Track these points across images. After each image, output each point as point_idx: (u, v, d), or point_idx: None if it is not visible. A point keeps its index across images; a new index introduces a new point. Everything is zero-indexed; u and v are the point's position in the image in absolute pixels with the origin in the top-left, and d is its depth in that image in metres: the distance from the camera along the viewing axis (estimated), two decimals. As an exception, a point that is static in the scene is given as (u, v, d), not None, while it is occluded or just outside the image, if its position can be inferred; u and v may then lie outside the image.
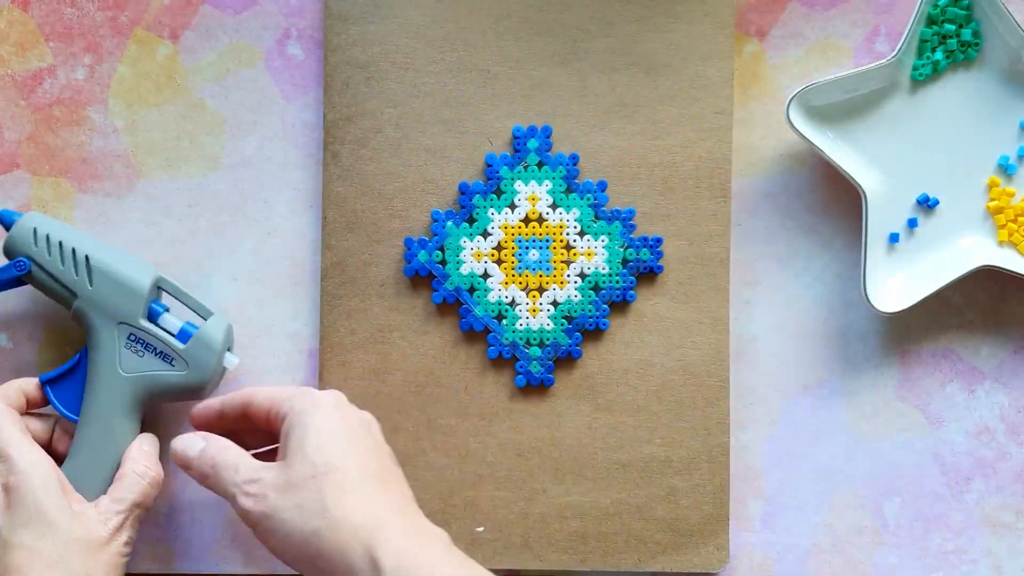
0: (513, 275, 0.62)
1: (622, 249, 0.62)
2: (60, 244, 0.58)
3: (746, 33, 0.64)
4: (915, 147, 0.62)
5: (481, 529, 0.62)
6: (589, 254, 0.62)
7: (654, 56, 0.62)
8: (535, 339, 0.62)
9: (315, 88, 0.64)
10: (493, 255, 0.62)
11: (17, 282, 0.59)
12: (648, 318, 0.62)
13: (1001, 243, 0.62)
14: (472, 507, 0.62)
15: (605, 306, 0.62)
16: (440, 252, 0.62)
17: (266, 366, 0.64)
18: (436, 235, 0.62)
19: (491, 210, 0.62)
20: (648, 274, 0.62)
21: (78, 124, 0.64)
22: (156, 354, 0.58)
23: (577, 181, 0.62)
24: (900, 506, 0.64)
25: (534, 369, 0.62)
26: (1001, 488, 0.64)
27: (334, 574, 0.49)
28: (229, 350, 0.60)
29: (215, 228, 0.64)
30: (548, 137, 0.62)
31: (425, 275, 0.62)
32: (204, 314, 0.60)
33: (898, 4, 0.64)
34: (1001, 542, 0.64)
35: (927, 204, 0.62)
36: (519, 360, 0.62)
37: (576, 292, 0.62)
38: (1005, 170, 0.62)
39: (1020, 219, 0.62)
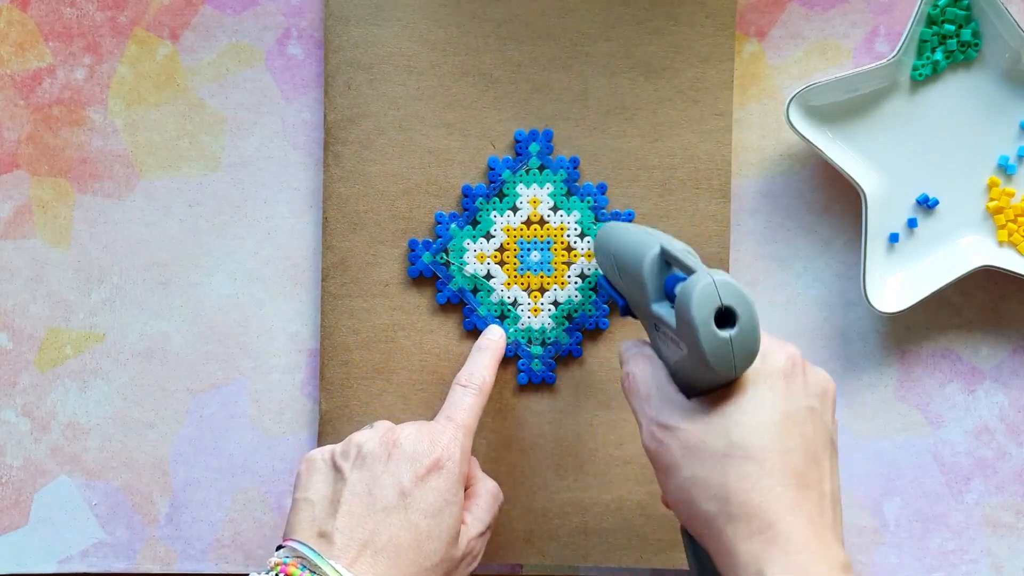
0: (515, 276, 0.62)
1: None
2: (613, 254, 0.54)
3: (746, 33, 0.64)
4: (915, 147, 0.62)
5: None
6: (589, 255, 0.62)
7: (654, 59, 0.62)
8: (537, 338, 0.62)
9: (315, 88, 0.64)
10: (496, 256, 0.62)
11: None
12: (648, 318, 0.63)
13: (1001, 243, 0.62)
14: (475, 504, 0.63)
15: (605, 306, 0.62)
16: (444, 254, 0.62)
17: (266, 366, 0.64)
18: (440, 237, 0.62)
19: (493, 212, 0.62)
20: None
21: (78, 124, 0.64)
22: (668, 337, 0.48)
23: (577, 184, 0.62)
24: (900, 506, 0.64)
25: (536, 367, 0.62)
26: (1001, 488, 0.64)
27: (716, 554, 0.45)
28: (731, 315, 0.44)
29: (215, 228, 0.64)
30: (549, 141, 0.62)
31: (429, 276, 0.62)
32: (688, 273, 0.46)
33: (898, 4, 0.64)
34: (1001, 542, 0.64)
35: (927, 204, 0.62)
36: (521, 359, 0.62)
37: (576, 292, 0.62)
38: (1005, 170, 0.62)
39: (1020, 219, 0.62)
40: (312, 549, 0.50)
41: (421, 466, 0.53)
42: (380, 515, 0.51)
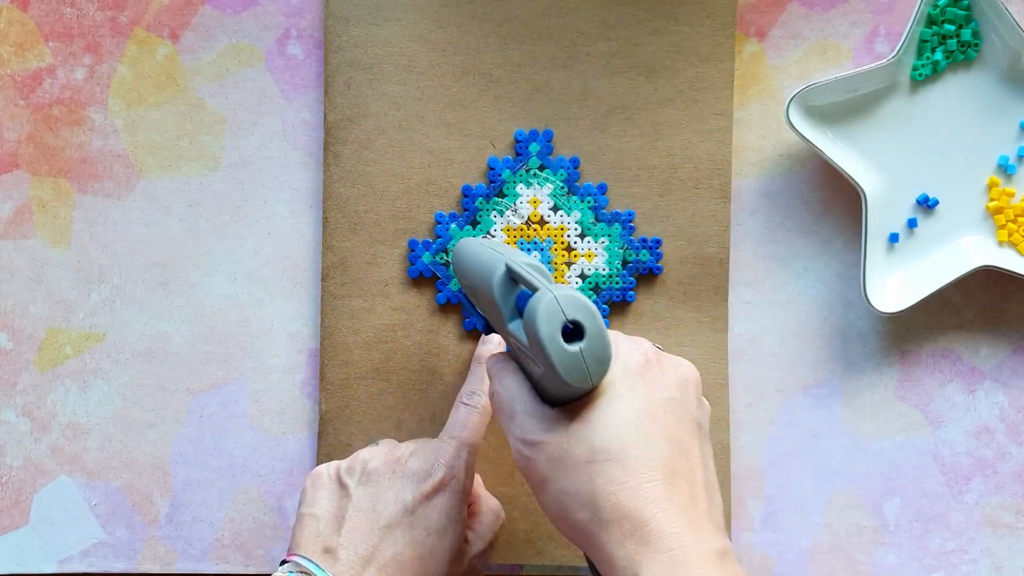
0: None
1: (622, 251, 0.62)
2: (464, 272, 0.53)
3: (746, 33, 0.64)
4: (915, 147, 0.62)
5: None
6: (589, 256, 0.62)
7: (654, 58, 0.62)
8: None
9: (315, 88, 0.64)
10: None
11: None
12: (648, 318, 0.62)
13: (1001, 243, 0.62)
14: (474, 506, 0.63)
15: (605, 306, 0.62)
16: (444, 254, 0.62)
17: (266, 366, 0.64)
18: (440, 237, 0.62)
19: (493, 212, 0.62)
20: (647, 275, 0.62)
21: (78, 124, 0.64)
22: (523, 353, 0.48)
23: (577, 184, 0.62)
24: (900, 506, 0.64)
25: None
26: (1001, 488, 0.64)
27: (598, 563, 0.45)
28: (578, 330, 0.44)
29: (215, 228, 0.64)
30: (549, 141, 0.62)
31: (429, 276, 0.62)
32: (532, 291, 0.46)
33: (898, 4, 0.64)
34: (1001, 542, 0.64)
35: (927, 204, 0.62)
36: None
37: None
38: (1005, 170, 0.62)
39: (1020, 219, 0.62)
40: (316, 564, 0.51)
41: (427, 484, 0.53)
42: (384, 532, 0.52)
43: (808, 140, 0.60)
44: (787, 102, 0.60)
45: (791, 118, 0.60)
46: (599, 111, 0.62)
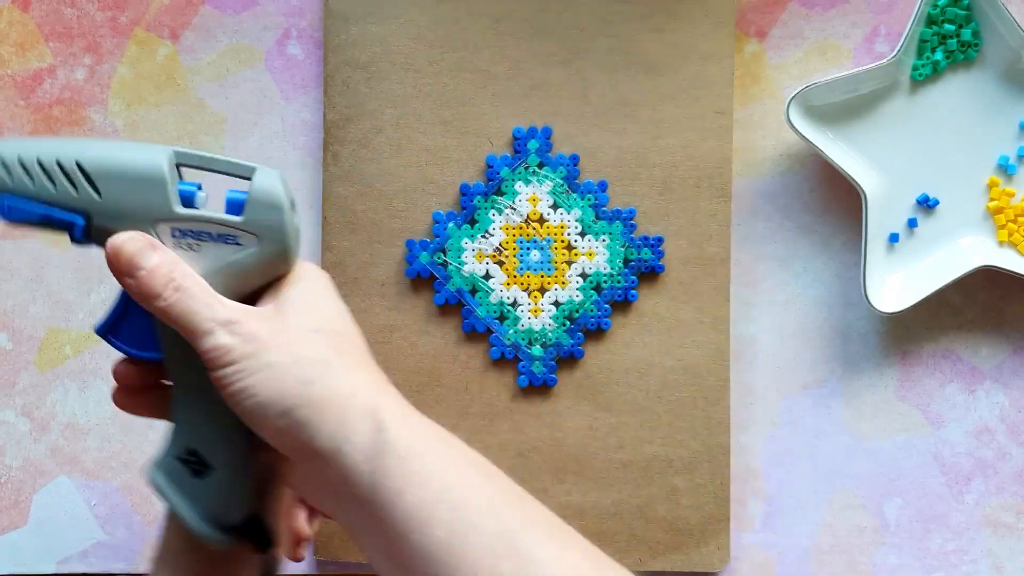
0: (514, 276, 0.62)
1: (623, 249, 0.62)
2: (39, 162, 0.45)
3: (746, 33, 0.64)
4: (915, 147, 0.62)
5: (481, 529, 0.62)
6: (590, 254, 0.62)
7: (654, 56, 0.62)
8: (537, 339, 0.62)
9: (315, 88, 0.64)
10: (494, 256, 0.62)
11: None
12: (649, 318, 0.62)
13: (1001, 243, 0.62)
14: (472, 507, 0.62)
15: (607, 306, 0.62)
16: (442, 253, 0.62)
17: (266, 366, 0.64)
18: (438, 236, 0.62)
19: (492, 211, 0.62)
20: (649, 274, 0.62)
21: (78, 124, 0.64)
22: (214, 240, 0.46)
23: (577, 181, 0.62)
24: (900, 506, 0.64)
25: (536, 369, 0.62)
26: (1001, 488, 0.64)
27: (314, 433, 0.42)
28: (293, 206, 0.47)
29: (215, 228, 0.64)
30: (548, 138, 0.62)
31: (427, 276, 0.62)
32: (246, 173, 0.47)
33: (898, 4, 0.64)
34: (1001, 542, 0.64)
35: (927, 204, 0.62)
36: (521, 360, 0.62)
37: (578, 292, 0.62)
38: (1005, 170, 0.62)
39: (1020, 219, 0.62)
40: None
41: None
42: None
43: (808, 140, 0.60)
44: (787, 102, 0.60)
45: (791, 118, 0.60)
46: (599, 108, 0.62)
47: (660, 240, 0.62)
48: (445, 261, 0.62)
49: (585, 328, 0.62)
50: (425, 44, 0.62)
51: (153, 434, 0.64)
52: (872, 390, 0.64)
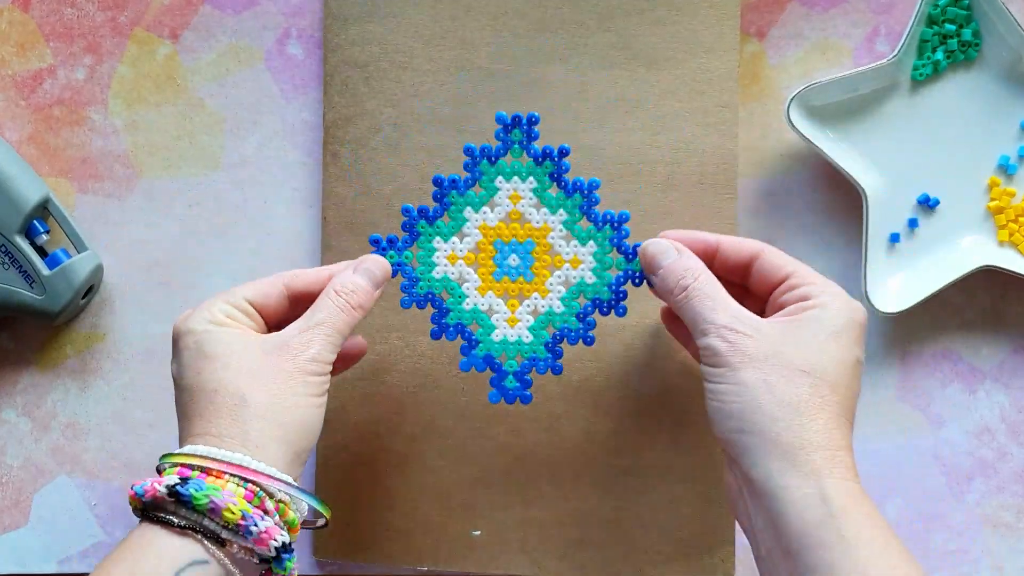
0: (490, 281, 0.55)
1: (611, 257, 0.55)
2: None
3: (746, 33, 0.64)
4: (915, 147, 0.62)
5: (478, 532, 0.62)
6: (575, 261, 0.55)
7: (655, 50, 0.62)
8: (512, 352, 0.55)
9: (315, 88, 0.64)
10: (469, 258, 0.55)
11: None
12: (650, 319, 0.62)
13: (1001, 243, 0.62)
14: (469, 510, 0.62)
15: (592, 319, 0.55)
16: (411, 252, 0.55)
17: (266, 366, 0.64)
18: (406, 233, 0.55)
19: (468, 208, 0.55)
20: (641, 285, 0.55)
21: (78, 124, 0.64)
22: (19, 271, 0.60)
23: (567, 178, 0.55)
24: (901, 506, 0.64)
25: (509, 384, 0.55)
26: (1002, 488, 0.64)
27: (754, 463, 0.46)
28: (90, 290, 0.62)
29: (215, 228, 0.64)
30: (534, 125, 0.55)
31: (394, 276, 0.56)
32: (80, 248, 0.61)
33: (898, 4, 0.64)
34: (1002, 542, 0.64)
35: (927, 204, 0.62)
36: (493, 374, 0.55)
37: (559, 303, 0.55)
38: (1005, 170, 0.62)
39: (1020, 219, 0.62)
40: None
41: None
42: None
43: (808, 140, 0.60)
44: (787, 102, 0.60)
45: (791, 118, 0.60)
46: (599, 104, 0.61)
47: None
48: (414, 261, 0.55)
49: (566, 341, 0.55)
50: (423, 42, 0.62)
51: (153, 434, 0.64)
52: (872, 390, 0.64)
